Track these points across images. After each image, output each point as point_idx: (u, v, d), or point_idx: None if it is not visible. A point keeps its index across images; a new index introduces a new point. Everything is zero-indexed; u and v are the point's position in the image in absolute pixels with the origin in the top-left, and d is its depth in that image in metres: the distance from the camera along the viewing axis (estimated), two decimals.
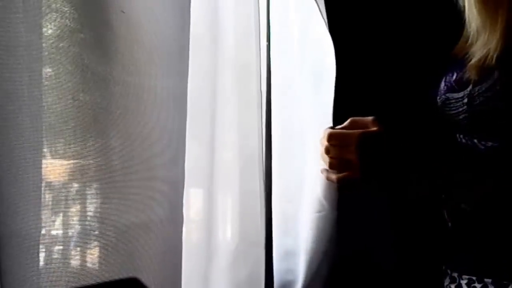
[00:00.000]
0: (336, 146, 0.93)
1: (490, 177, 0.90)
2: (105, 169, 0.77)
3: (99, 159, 0.75)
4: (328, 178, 0.97)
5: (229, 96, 1.06)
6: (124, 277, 0.80)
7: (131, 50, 0.82)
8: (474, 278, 0.95)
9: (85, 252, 0.74)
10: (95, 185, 0.75)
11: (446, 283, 1.04)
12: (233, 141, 1.07)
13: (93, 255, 0.75)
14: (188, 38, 0.91)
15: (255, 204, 1.08)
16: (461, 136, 1.01)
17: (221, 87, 1.05)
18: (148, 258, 0.85)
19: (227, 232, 1.11)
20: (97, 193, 0.76)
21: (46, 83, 0.63)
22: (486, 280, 0.93)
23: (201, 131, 1.02)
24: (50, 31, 0.63)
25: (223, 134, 1.05)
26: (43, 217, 0.67)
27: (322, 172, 1.01)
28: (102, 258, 0.76)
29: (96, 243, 0.74)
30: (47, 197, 0.66)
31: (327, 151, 0.93)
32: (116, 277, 0.78)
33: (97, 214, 0.75)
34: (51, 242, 0.69)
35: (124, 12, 0.78)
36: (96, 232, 0.75)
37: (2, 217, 0.61)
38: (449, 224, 1.05)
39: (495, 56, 0.89)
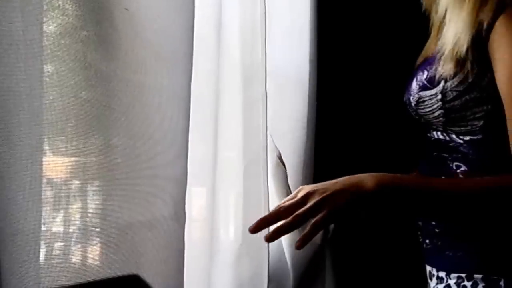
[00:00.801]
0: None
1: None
2: (107, 167, 0.77)
3: (101, 157, 0.75)
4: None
5: (233, 95, 1.06)
6: (125, 274, 0.79)
7: (135, 49, 0.82)
8: (463, 275, 0.94)
9: (86, 249, 0.74)
10: (97, 183, 0.75)
11: (432, 284, 1.03)
12: (237, 140, 1.07)
13: (94, 252, 0.75)
14: (192, 38, 0.91)
15: (258, 203, 1.07)
16: (439, 133, 1.01)
17: (225, 86, 1.04)
18: (150, 256, 0.85)
19: (230, 231, 1.11)
20: (99, 191, 0.76)
21: (47, 80, 0.63)
22: (476, 276, 0.92)
23: (204, 130, 1.01)
24: (51, 28, 0.63)
25: (226, 133, 1.05)
26: (43, 213, 0.66)
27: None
28: (104, 255, 0.76)
29: (97, 239, 0.74)
30: (48, 194, 0.66)
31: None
32: (117, 275, 0.78)
33: (99, 211, 0.75)
34: (52, 239, 0.68)
35: (128, 10, 0.78)
36: (98, 229, 0.74)
37: (2, 213, 0.61)
38: (433, 223, 1.04)
39: (466, 43, 0.89)
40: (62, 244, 0.71)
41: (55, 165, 0.70)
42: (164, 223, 0.88)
